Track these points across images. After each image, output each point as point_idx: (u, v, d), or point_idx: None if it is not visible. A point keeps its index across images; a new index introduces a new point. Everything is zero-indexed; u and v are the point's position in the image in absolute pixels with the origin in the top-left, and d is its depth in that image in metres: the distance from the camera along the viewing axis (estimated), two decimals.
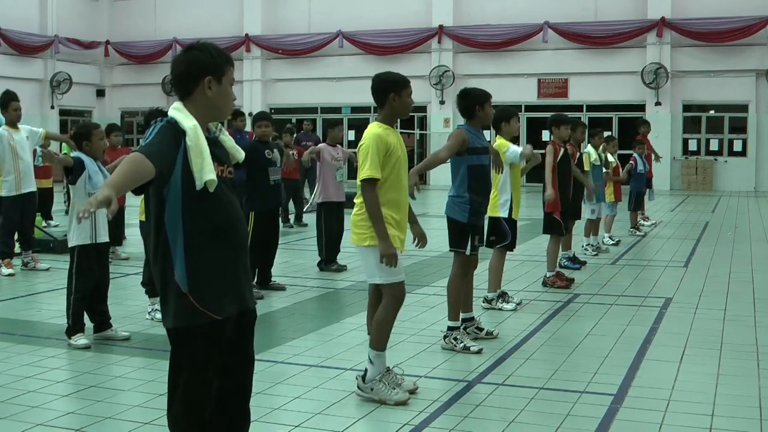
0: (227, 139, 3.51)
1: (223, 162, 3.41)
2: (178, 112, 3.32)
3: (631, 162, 14.00)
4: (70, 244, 6.51)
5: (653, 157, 15.73)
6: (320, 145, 10.41)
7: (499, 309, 7.73)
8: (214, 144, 3.40)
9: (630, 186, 14.10)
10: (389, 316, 5.15)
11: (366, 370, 5.12)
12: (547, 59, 26.77)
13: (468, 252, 6.40)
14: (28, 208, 10.19)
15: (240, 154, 3.51)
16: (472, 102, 6.42)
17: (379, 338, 5.15)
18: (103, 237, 6.55)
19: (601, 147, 11.73)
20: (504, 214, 7.53)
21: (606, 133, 13.39)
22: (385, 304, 5.15)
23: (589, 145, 11.66)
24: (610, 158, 12.29)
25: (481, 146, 6.45)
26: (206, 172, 3.22)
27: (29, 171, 10.05)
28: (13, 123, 10.03)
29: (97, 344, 6.47)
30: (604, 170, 11.87)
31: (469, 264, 6.51)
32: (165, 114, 3.39)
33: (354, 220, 5.16)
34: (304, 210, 15.76)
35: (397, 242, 5.09)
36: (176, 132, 3.24)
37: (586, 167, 11.08)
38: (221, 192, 3.31)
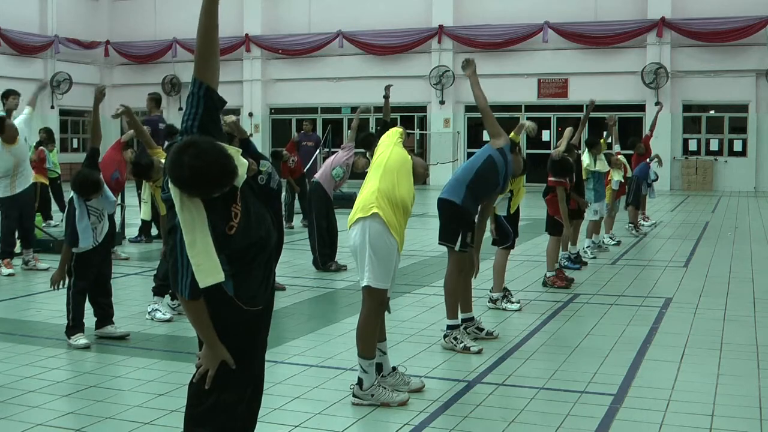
0: (242, 173, 3.30)
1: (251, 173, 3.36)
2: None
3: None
4: (74, 250, 6.49)
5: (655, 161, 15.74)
6: (357, 152, 10.57)
7: (503, 309, 7.73)
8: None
9: (633, 171, 13.82)
10: (372, 322, 5.07)
11: (360, 379, 5.06)
12: (547, 59, 26.76)
13: (458, 248, 6.37)
14: (27, 203, 10.20)
15: (246, 167, 3.38)
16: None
17: (366, 346, 5.06)
18: (101, 238, 6.58)
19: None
20: (503, 212, 7.56)
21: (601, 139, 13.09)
22: (368, 311, 5.07)
23: (586, 152, 11.30)
24: (616, 176, 12.26)
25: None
26: (204, 275, 3.15)
27: (28, 173, 10.07)
28: (11, 139, 9.80)
29: (97, 344, 6.47)
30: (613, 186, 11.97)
31: (464, 261, 6.48)
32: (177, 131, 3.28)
33: (364, 198, 5.05)
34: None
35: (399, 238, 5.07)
36: None
37: (584, 175, 10.99)
38: (251, 213, 3.29)
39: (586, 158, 11.10)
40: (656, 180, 14.76)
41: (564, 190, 9.18)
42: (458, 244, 6.36)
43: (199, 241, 3.13)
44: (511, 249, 7.85)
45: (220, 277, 3.15)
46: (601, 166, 11.36)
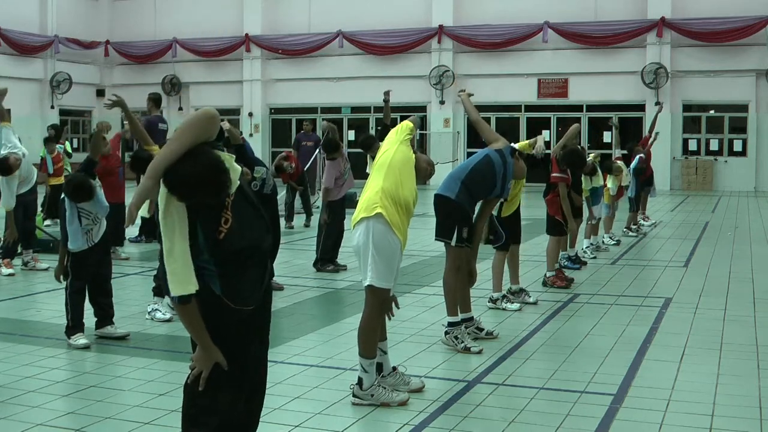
0: (234, 180, 3.32)
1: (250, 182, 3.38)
2: None
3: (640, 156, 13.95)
4: (70, 249, 6.52)
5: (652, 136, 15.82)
6: (327, 175, 10.24)
7: (503, 309, 7.73)
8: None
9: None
10: (374, 322, 5.07)
11: (360, 379, 5.06)
12: (547, 59, 26.76)
13: (454, 243, 6.35)
14: (31, 203, 10.20)
15: (239, 172, 3.40)
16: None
17: (367, 346, 5.06)
18: (98, 238, 6.59)
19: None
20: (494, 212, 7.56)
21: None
22: (370, 310, 5.06)
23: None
24: (610, 184, 12.25)
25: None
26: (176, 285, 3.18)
27: (32, 176, 10.06)
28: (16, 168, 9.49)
29: (97, 344, 6.48)
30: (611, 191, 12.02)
31: (461, 257, 6.45)
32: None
33: (368, 198, 5.03)
34: (312, 203, 15.75)
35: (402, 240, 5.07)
36: None
37: (585, 193, 10.98)
38: (243, 217, 3.29)
39: (583, 182, 11.00)
40: (644, 168, 14.72)
41: (566, 186, 9.17)
42: (454, 239, 6.34)
43: (177, 249, 3.16)
44: (506, 250, 7.87)
45: (191, 288, 3.17)
46: (597, 181, 11.36)
